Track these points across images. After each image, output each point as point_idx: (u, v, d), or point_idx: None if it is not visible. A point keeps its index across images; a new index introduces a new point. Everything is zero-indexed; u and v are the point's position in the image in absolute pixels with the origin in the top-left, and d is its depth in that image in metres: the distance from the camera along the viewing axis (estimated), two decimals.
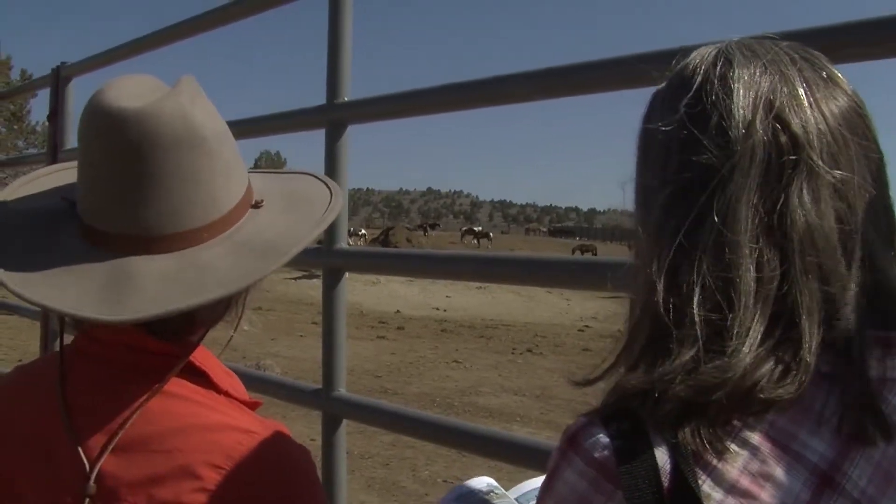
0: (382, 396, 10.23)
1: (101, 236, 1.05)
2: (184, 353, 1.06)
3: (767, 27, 0.87)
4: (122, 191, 1.03)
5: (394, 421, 2.33)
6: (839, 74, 0.83)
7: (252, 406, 1.13)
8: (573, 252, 38.59)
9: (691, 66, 0.83)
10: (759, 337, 0.72)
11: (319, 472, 2.35)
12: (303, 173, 1.30)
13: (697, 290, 0.73)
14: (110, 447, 0.98)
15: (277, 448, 1.03)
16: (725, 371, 0.70)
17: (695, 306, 0.73)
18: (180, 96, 1.04)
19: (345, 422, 2.41)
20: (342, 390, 2.40)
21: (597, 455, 0.72)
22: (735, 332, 0.72)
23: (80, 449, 0.99)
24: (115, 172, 1.03)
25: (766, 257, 0.74)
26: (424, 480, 7.68)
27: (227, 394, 1.09)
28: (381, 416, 2.35)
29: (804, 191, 0.75)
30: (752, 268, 0.73)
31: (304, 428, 8.40)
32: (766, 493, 0.69)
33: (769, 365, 0.71)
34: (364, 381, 11.55)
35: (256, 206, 1.14)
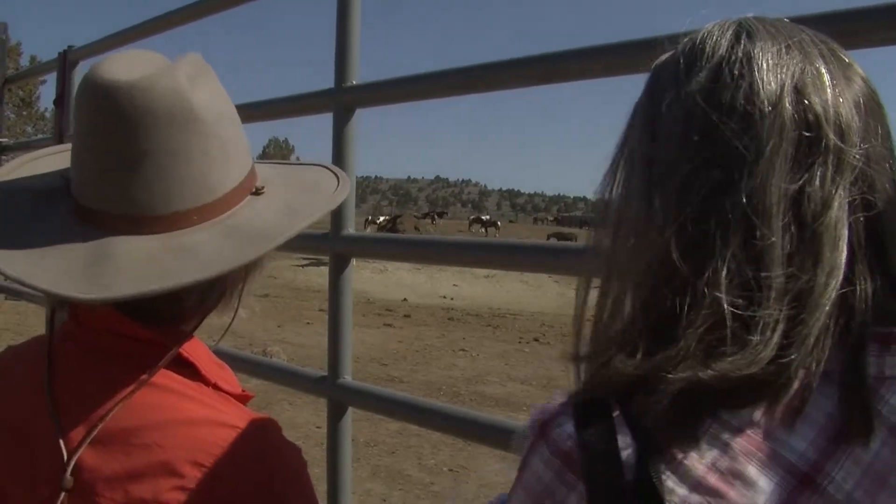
0: (388, 384, 10.23)
1: (89, 214, 1.02)
2: (173, 342, 1.02)
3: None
4: (110, 166, 1.00)
5: (399, 409, 2.31)
6: (853, 60, 0.80)
7: (243, 399, 1.09)
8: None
9: (711, 40, 0.79)
10: (782, 331, 0.69)
11: (324, 460, 2.35)
12: (315, 164, 1.27)
13: (724, 277, 0.70)
14: (89, 439, 0.94)
15: (265, 445, 0.99)
16: (752, 364, 0.68)
17: (722, 292, 0.69)
18: (178, 72, 1.01)
19: (350, 409, 2.39)
20: (348, 378, 2.38)
21: (562, 445, 0.72)
22: (761, 325, 0.69)
23: (60, 439, 0.95)
24: (104, 147, 1.00)
25: (794, 246, 0.71)
26: (430, 469, 7.68)
27: (215, 386, 1.05)
28: (386, 404, 2.34)
29: (828, 174, 0.72)
30: (782, 257, 0.70)
31: (310, 415, 8.41)
32: (734, 492, 0.66)
33: (781, 360, 0.69)
34: (370, 368, 11.55)
35: (257, 192, 1.10)
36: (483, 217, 68.83)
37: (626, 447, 0.69)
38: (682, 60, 0.80)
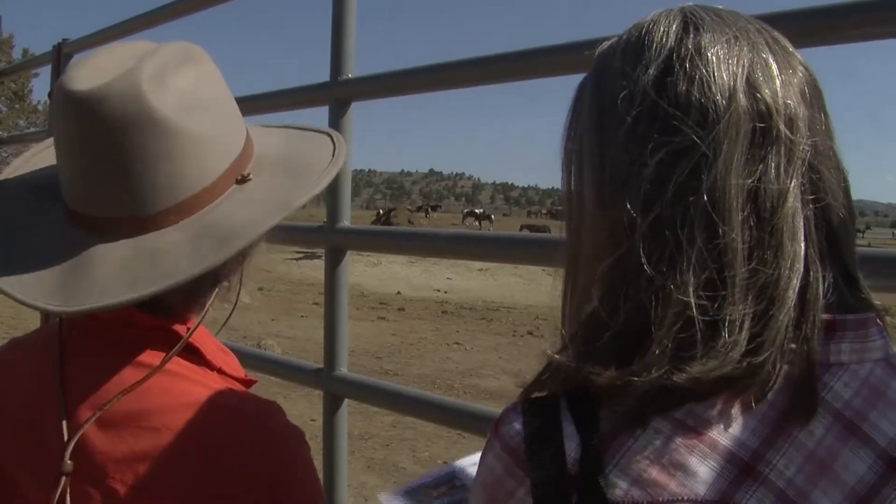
0: (383, 378, 10.21)
1: (75, 215, 1.03)
2: (180, 329, 1.04)
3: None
4: (80, 172, 1.02)
5: (395, 401, 2.32)
6: (793, 47, 0.81)
7: (247, 384, 1.11)
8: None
9: (658, 31, 0.78)
10: (749, 328, 0.69)
11: (320, 453, 2.36)
12: (320, 132, 1.24)
13: (690, 277, 0.70)
14: (87, 424, 0.96)
15: (269, 428, 1.01)
16: (723, 365, 0.68)
17: (689, 294, 0.69)
18: (142, 73, 0.99)
19: (346, 402, 2.40)
20: (344, 370, 2.39)
21: (510, 442, 0.73)
22: (728, 324, 0.69)
23: (64, 425, 0.97)
24: (73, 153, 1.01)
25: (755, 240, 0.71)
26: (424, 461, 7.69)
27: (220, 371, 1.07)
28: (382, 395, 2.35)
29: (781, 165, 0.72)
30: (744, 253, 0.71)
31: (305, 408, 8.41)
32: (675, 483, 0.67)
33: (753, 358, 0.69)
34: (364, 361, 11.54)
35: (243, 180, 1.09)
36: (477, 210, 68.48)
37: (571, 442, 0.70)
38: (629, 52, 0.80)
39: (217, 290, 1.09)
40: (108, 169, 0.99)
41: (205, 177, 1.04)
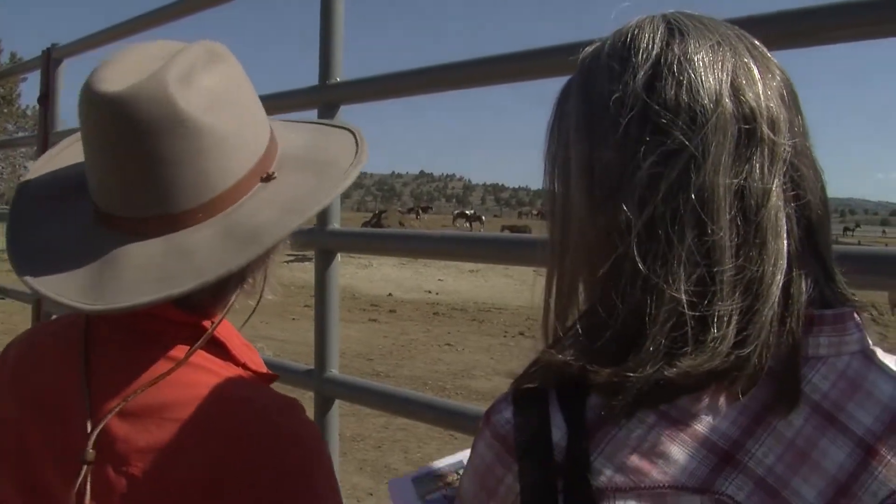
0: (374, 379, 10.20)
1: (102, 215, 1.05)
2: (207, 324, 1.07)
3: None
4: (107, 172, 1.03)
5: (387, 402, 2.34)
6: (769, 52, 0.84)
7: (269, 379, 1.13)
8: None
9: (643, 37, 0.81)
10: (736, 323, 0.72)
11: None
12: (345, 128, 1.25)
13: (681, 275, 0.73)
14: (111, 415, 0.98)
15: (288, 424, 1.03)
16: (712, 359, 0.71)
17: (680, 291, 0.72)
18: (168, 74, 1.00)
19: (337, 403, 2.41)
20: (334, 371, 2.40)
21: (500, 430, 0.77)
22: (717, 319, 0.72)
23: (88, 415, 0.99)
24: (99, 154, 1.03)
25: (741, 238, 0.74)
26: (417, 462, 7.69)
27: (244, 366, 1.10)
28: (373, 396, 2.36)
29: (765, 166, 0.75)
30: (731, 251, 0.73)
31: None
32: (657, 471, 0.70)
33: (739, 351, 0.72)
34: (356, 364, 11.53)
35: (268, 178, 1.09)
36: (467, 212, 68.18)
37: (558, 431, 0.74)
38: (616, 57, 0.82)
39: (242, 286, 1.11)
40: (137, 170, 1.00)
41: (231, 175, 1.05)
